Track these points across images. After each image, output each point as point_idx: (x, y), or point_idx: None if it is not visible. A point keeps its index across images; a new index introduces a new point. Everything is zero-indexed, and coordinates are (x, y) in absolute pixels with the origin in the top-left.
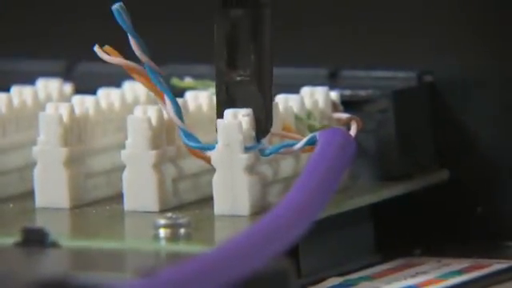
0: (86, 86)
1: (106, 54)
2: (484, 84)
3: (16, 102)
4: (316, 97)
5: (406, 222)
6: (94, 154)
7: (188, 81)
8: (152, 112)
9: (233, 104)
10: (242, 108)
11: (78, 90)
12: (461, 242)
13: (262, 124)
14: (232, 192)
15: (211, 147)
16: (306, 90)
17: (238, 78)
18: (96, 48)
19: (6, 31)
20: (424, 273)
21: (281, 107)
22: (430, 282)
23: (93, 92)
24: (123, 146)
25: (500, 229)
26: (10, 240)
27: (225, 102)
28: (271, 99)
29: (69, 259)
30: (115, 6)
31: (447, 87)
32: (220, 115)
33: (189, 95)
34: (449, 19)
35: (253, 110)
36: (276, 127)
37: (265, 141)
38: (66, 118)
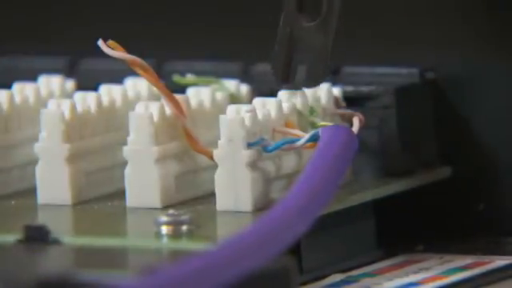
0: (87, 83)
1: (110, 49)
2: (486, 81)
3: (18, 98)
4: (319, 93)
5: (408, 218)
6: (95, 151)
7: (190, 77)
8: (154, 108)
9: (291, 47)
10: (301, 55)
11: (80, 87)
12: (463, 238)
13: (317, 76)
14: (234, 188)
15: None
16: None
17: (306, 24)
18: (100, 42)
19: (8, 28)
20: (426, 269)
21: (283, 103)
22: (432, 279)
23: (95, 88)
24: (125, 143)
25: (502, 225)
26: (12, 237)
27: (285, 46)
28: (330, 54)
29: (71, 256)
30: None
31: (449, 84)
32: (277, 60)
33: (190, 92)
34: (451, 16)
35: (311, 58)
36: (279, 123)
37: (267, 135)
38: (67, 115)
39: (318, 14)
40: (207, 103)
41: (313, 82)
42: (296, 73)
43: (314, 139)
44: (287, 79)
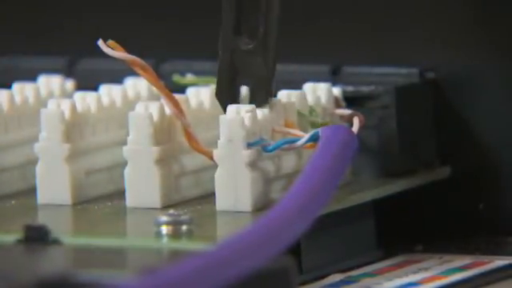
0: (87, 83)
1: (110, 49)
2: (486, 80)
3: (18, 98)
4: (318, 93)
5: (408, 218)
6: (95, 151)
7: (189, 77)
8: (154, 108)
9: (235, 73)
10: (243, 77)
11: (80, 87)
12: (462, 238)
13: (261, 97)
14: (234, 188)
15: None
16: (308, 86)
17: (244, 47)
18: (100, 42)
19: (8, 28)
20: (426, 269)
21: (283, 103)
22: (431, 279)
23: (94, 88)
24: (125, 143)
25: (502, 225)
26: (12, 237)
27: (227, 70)
28: (274, 73)
29: (70, 256)
30: None
31: (449, 84)
32: (221, 84)
33: (190, 92)
34: (451, 16)
35: (253, 80)
36: (278, 123)
37: (267, 135)
38: (67, 115)
39: (255, 35)
40: (207, 103)
41: (256, 105)
42: (240, 95)
43: (314, 139)
44: (232, 103)
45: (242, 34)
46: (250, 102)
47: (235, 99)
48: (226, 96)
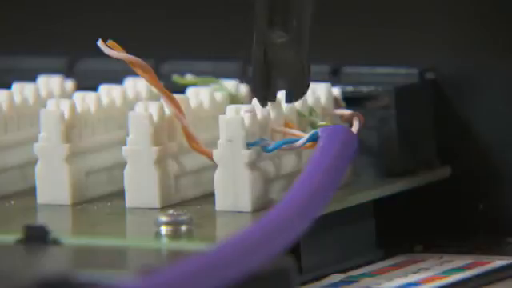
0: (87, 83)
1: (110, 49)
2: (485, 80)
3: (17, 98)
4: (318, 93)
5: (408, 218)
6: (95, 151)
7: (189, 77)
8: (153, 108)
9: (269, 67)
10: (278, 71)
11: (80, 87)
12: (463, 238)
13: (297, 89)
14: (234, 188)
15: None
16: None
17: (279, 40)
18: (99, 42)
19: (7, 28)
20: (426, 269)
21: (283, 104)
22: (431, 279)
23: (94, 89)
24: (124, 143)
25: (502, 225)
26: (12, 237)
27: (261, 64)
28: (308, 66)
29: (70, 256)
30: None
31: (449, 84)
32: (256, 79)
33: (190, 92)
34: (450, 16)
35: (290, 74)
36: (278, 123)
37: (267, 135)
38: (67, 115)
39: (289, 28)
40: (206, 103)
41: (293, 98)
42: (276, 89)
43: (314, 139)
44: (269, 97)
45: (275, 26)
46: (287, 96)
47: (271, 93)
48: (262, 91)
